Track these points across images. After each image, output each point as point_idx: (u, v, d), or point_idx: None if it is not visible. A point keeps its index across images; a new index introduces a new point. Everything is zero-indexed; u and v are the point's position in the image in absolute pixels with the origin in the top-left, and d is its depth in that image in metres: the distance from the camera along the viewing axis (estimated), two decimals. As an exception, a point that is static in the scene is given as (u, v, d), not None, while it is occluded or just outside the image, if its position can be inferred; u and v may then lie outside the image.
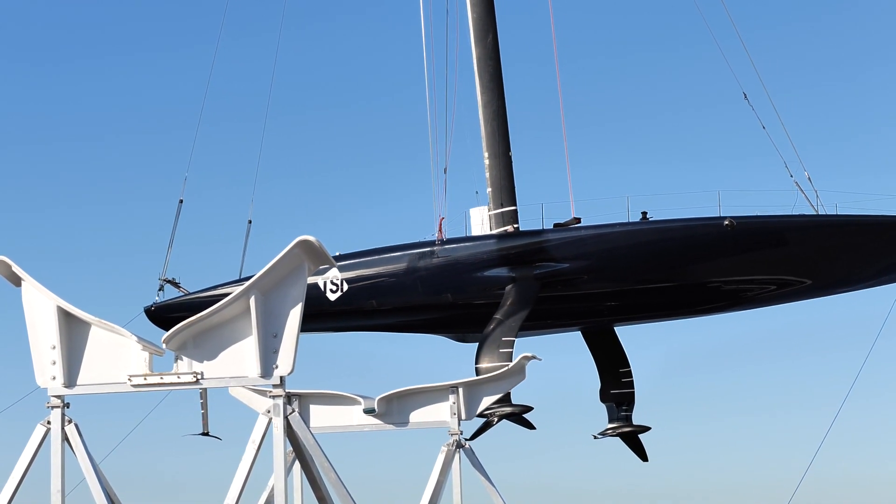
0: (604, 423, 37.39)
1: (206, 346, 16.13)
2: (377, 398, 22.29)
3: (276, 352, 16.01)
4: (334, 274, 35.93)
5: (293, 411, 16.22)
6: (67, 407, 16.24)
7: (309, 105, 78.15)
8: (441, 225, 36.73)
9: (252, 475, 16.32)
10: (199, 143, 42.40)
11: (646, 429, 36.91)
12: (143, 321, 38.11)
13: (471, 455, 22.39)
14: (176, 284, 38.62)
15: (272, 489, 17.54)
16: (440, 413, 22.22)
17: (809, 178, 34.62)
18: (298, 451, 16.66)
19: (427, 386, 22.68)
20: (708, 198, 34.16)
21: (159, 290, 38.46)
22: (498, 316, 34.41)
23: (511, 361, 32.74)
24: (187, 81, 77.53)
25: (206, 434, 37.71)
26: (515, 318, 34.23)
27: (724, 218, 33.97)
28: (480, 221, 37.22)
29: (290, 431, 16.18)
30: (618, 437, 36.96)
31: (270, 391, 16.12)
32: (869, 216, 34.16)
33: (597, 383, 37.19)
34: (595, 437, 36.46)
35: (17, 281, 16.50)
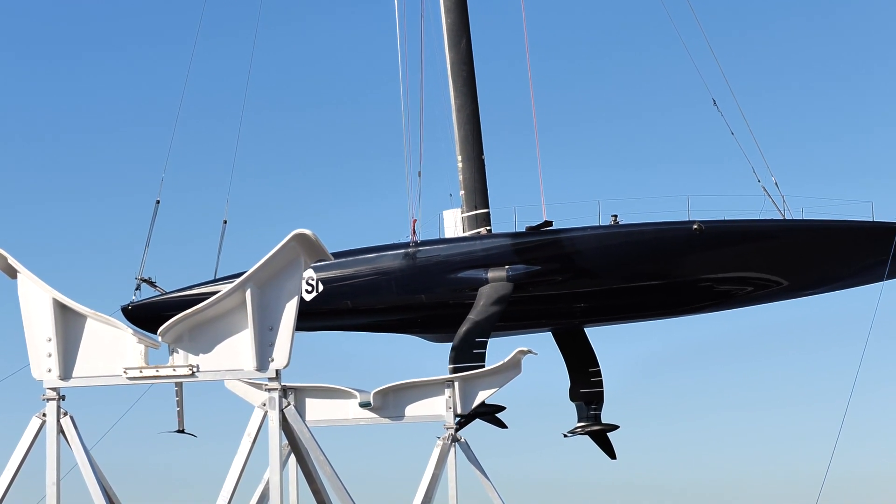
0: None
1: (202, 338, 16.13)
2: (373, 392, 22.31)
3: (271, 345, 16.01)
4: (310, 274, 36.23)
5: (289, 405, 16.21)
6: (63, 399, 16.25)
7: (284, 107, 78.67)
8: (414, 226, 37.11)
9: (248, 468, 16.33)
10: (176, 142, 42.55)
11: (614, 427, 37.31)
12: (121, 320, 38.23)
13: (466, 449, 22.42)
14: (152, 284, 38.79)
15: (267, 482, 17.57)
16: (436, 407, 22.25)
17: (776, 184, 35.51)
18: (294, 444, 16.66)
19: (423, 380, 22.71)
20: (677, 202, 34.75)
21: (136, 289, 38.67)
22: (471, 317, 34.78)
23: (483, 362, 33.02)
24: (163, 81, 77.89)
25: (181, 431, 37.86)
26: (488, 318, 34.63)
27: (693, 222, 34.51)
28: (454, 223, 37.72)
29: (285, 425, 16.17)
30: (587, 436, 37.27)
31: (266, 384, 16.12)
32: (833, 221, 34.88)
33: (567, 382, 37.52)
34: (565, 436, 36.88)
35: (12, 273, 16.50)
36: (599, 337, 38.03)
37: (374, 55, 73.72)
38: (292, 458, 20.49)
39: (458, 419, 24.47)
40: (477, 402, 22.47)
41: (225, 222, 40.41)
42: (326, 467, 16.62)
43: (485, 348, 33.98)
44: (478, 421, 36.00)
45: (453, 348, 33.96)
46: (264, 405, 16.10)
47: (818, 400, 66.33)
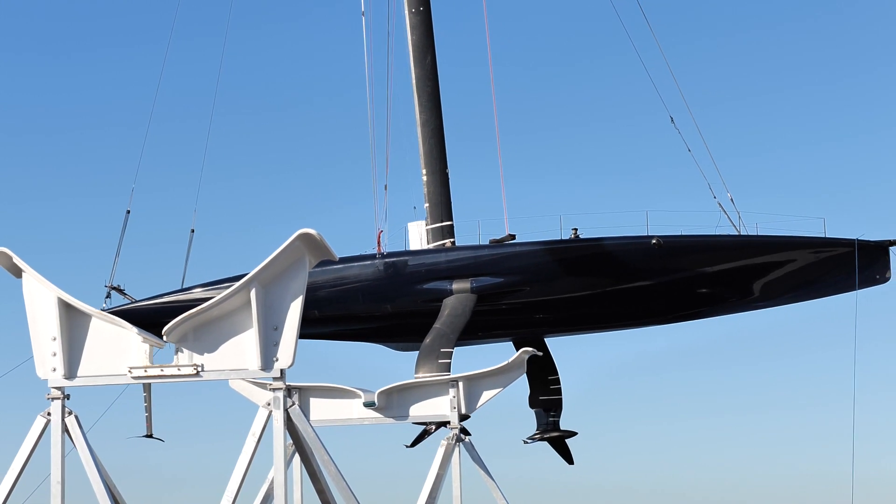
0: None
1: (207, 338, 16.13)
2: (377, 392, 22.31)
3: (276, 344, 16.01)
4: None
5: (293, 404, 16.21)
6: (68, 398, 16.26)
7: (253, 119, 79.95)
8: (380, 238, 37.78)
9: (252, 468, 16.34)
10: (147, 149, 43.04)
11: (572, 434, 37.89)
12: None
13: (470, 449, 22.42)
14: (122, 292, 39.06)
15: (272, 481, 17.58)
16: (440, 407, 22.25)
17: (732, 200, 36.46)
18: (298, 443, 16.66)
19: (427, 380, 22.73)
20: (637, 216, 36.74)
21: (106, 297, 38.98)
22: (436, 326, 35.44)
23: (449, 371, 33.35)
24: (130, 86, 78.88)
25: (149, 436, 37.98)
26: (453, 329, 35.26)
27: (652, 237, 35.35)
28: (418, 236, 38.40)
29: (290, 424, 16.17)
30: (545, 442, 37.84)
31: (270, 384, 16.12)
32: (786, 237, 35.83)
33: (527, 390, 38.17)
34: (525, 442, 37.44)
35: (17, 272, 16.51)
36: (557, 346, 38.82)
37: (342, 70, 75.86)
38: (297, 457, 20.48)
39: (422, 426, 24.57)
40: (481, 401, 22.46)
41: (192, 231, 40.93)
42: (331, 467, 16.62)
43: (450, 358, 34.67)
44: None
45: (419, 357, 34.51)
46: (269, 405, 16.10)
47: (786, 406, 68.66)
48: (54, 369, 16.15)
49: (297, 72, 79.83)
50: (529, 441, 37.24)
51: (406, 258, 37.66)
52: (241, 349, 16.03)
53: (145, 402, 37.83)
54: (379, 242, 37.67)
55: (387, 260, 37.48)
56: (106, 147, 78.38)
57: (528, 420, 38.38)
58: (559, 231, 36.08)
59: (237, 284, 15.93)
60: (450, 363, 34.30)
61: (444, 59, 38.23)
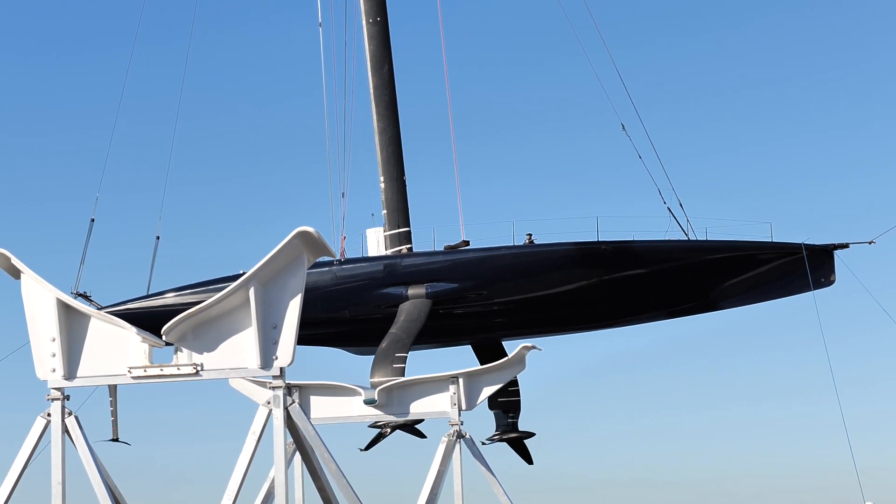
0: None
1: (206, 337, 16.12)
2: (378, 388, 22.27)
3: (275, 343, 16.00)
4: None
5: (293, 402, 16.20)
6: (67, 399, 16.24)
7: (216, 126, 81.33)
8: (343, 244, 38.76)
9: (252, 466, 16.32)
10: (111, 155, 43.44)
11: (530, 434, 38.27)
12: None
13: (471, 445, 22.40)
14: (88, 298, 39.18)
15: (273, 480, 17.55)
16: (440, 403, 22.22)
17: (681, 205, 37.33)
18: (299, 442, 16.65)
19: (427, 376, 22.68)
20: (588, 223, 36.70)
21: None
22: (392, 331, 36.06)
23: (403, 375, 33.69)
24: (93, 93, 79.55)
25: (115, 440, 38.03)
26: (408, 333, 35.89)
27: (602, 242, 36.31)
28: (376, 242, 39.11)
29: (290, 422, 16.16)
30: (504, 443, 38.28)
31: (270, 382, 16.11)
32: (734, 242, 36.77)
33: None
34: (483, 443, 37.82)
35: (16, 273, 16.49)
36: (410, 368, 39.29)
37: (302, 80, 77.41)
38: (297, 456, 20.46)
39: (377, 429, 24.70)
40: (482, 398, 22.44)
41: (158, 238, 41.16)
42: (332, 465, 16.61)
43: (405, 362, 35.37)
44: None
45: (374, 361, 34.97)
46: (269, 403, 16.08)
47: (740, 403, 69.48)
48: (54, 370, 16.14)
49: (259, 80, 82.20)
50: (488, 442, 37.97)
51: (364, 264, 38.38)
52: (241, 348, 16.02)
53: (111, 405, 37.94)
54: (343, 249, 38.28)
55: (344, 266, 38.03)
56: (69, 153, 79.18)
57: (528, 416, 38.61)
58: (512, 237, 37.15)
59: (236, 283, 15.93)
60: (404, 367, 34.93)
61: (401, 66, 39.27)
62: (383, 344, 35.35)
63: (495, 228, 39.53)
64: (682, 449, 67.98)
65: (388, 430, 37.07)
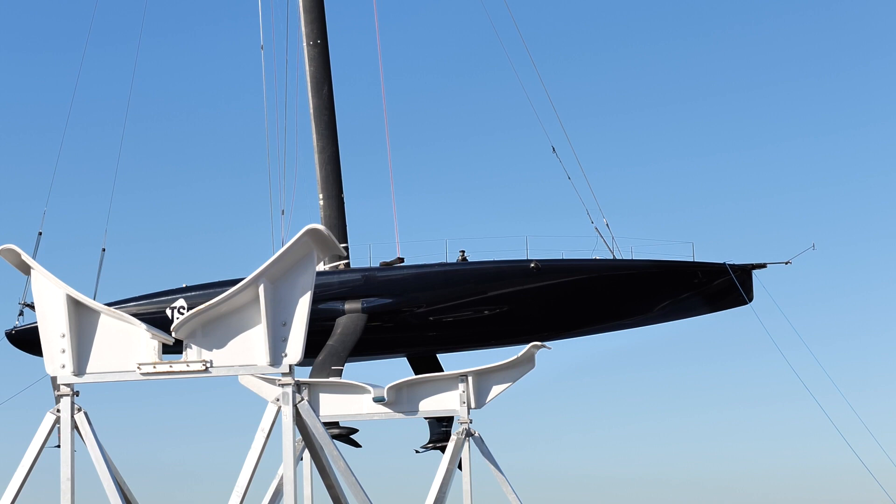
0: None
1: (216, 334, 16.11)
2: (387, 387, 22.28)
3: (285, 340, 15.99)
4: (181, 303, 37.81)
5: (302, 400, 16.20)
6: (77, 395, 16.26)
7: (161, 144, 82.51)
8: None
9: (262, 463, 16.33)
10: (60, 162, 44.03)
11: None
12: (4, 344, 39.66)
13: (480, 443, 22.40)
14: (34, 309, 39.21)
15: (282, 477, 17.57)
16: (450, 402, 22.23)
17: (608, 225, 38.76)
18: (308, 439, 16.64)
19: (437, 375, 22.68)
20: (518, 241, 38.12)
21: (19, 314, 39.35)
22: (329, 344, 36.84)
23: None
24: (40, 100, 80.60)
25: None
26: (344, 346, 36.68)
27: (531, 260, 37.50)
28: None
29: (299, 420, 16.15)
30: (438, 451, 38.80)
31: (280, 379, 16.11)
32: (657, 261, 38.15)
33: None
34: (417, 452, 38.28)
35: (26, 269, 16.52)
36: (452, 361, 40.25)
37: (246, 100, 78.88)
38: (306, 453, 20.48)
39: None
40: (491, 396, 22.45)
41: (103, 250, 41.49)
42: (340, 462, 16.61)
43: (341, 374, 36.12)
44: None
45: (311, 373, 35.78)
46: (278, 400, 16.09)
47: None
48: (63, 366, 16.16)
49: (203, 99, 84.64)
50: (422, 450, 38.32)
51: None
52: (250, 345, 16.02)
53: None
54: None
55: None
56: (14, 164, 79.89)
57: (538, 414, 38.80)
58: (445, 254, 38.11)
59: (246, 280, 15.92)
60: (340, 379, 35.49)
61: (341, 87, 40.47)
62: (320, 356, 36.25)
63: (430, 246, 39.78)
64: (685, 449, 68.33)
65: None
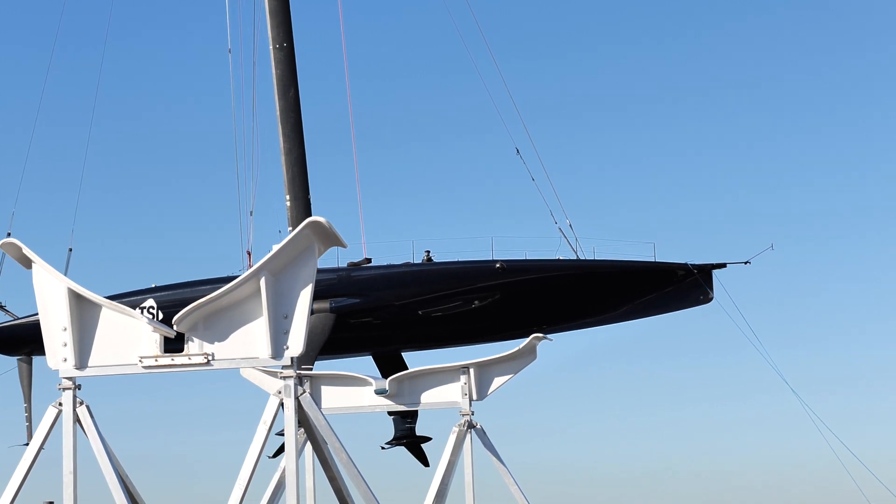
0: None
1: (217, 327, 16.13)
2: (388, 379, 22.29)
3: (286, 332, 16.02)
4: (151, 304, 38.11)
5: (304, 392, 16.21)
6: (79, 389, 16.26)
7: (129, 145, 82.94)
8: (250, 259, 39.81)
9: (263, 456, 16.33)
10: (29, 161, 44.24)
11: (427, 439, 39.10)
12: None
13: (482, 435, 22.40)
14: (3, 308, 39.38)
15: (283, 470, 17.57)
16: (451, 393, 22.23)
17: (571, 225, 39.42)
18: (310, 431, 16.66)
19: (438, 367, 22.69)
20: (483, 242, 38.94)
21: None
22: None
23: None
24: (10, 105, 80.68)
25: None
26: (312, 346, 36.87)
27: (497, 261, 38.35)
28: None
29: (301, 412, 16.17)
30: (402, 447, 39.14)
31: (281, 372, 16.12)
32: (619, 261, 39.00)
33: None
34: (383, 448, 38.61)
35: (27, 263, 16.52)
36: (418, 360, 40.61)
37: (213, 100, 79.35)
38: (308, 445, 20.49)
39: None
40: (493, 388, 22.45)
41: (70, 250, 41.65)
42: (342, 455, 16.62)
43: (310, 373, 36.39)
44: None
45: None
46: (280, 393, 16.10)
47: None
48: (65, 359, 16.16)
49: (172, 101, 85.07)
50: (387, 446, 38.66)
51: None
52: (252, 338, 16.04)
53: (26, 412, 38.11)
54: (250, 264, 39.41)
55: None
56: None
57: (540, 406, 39.06)
58: (412, 255, 38.79)
59: (247, 273, 15.94)
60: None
61: (307, 89, 40.80)
62: None
63: (396, 247, 40.50)
64: (688, 443, 68.49)
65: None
